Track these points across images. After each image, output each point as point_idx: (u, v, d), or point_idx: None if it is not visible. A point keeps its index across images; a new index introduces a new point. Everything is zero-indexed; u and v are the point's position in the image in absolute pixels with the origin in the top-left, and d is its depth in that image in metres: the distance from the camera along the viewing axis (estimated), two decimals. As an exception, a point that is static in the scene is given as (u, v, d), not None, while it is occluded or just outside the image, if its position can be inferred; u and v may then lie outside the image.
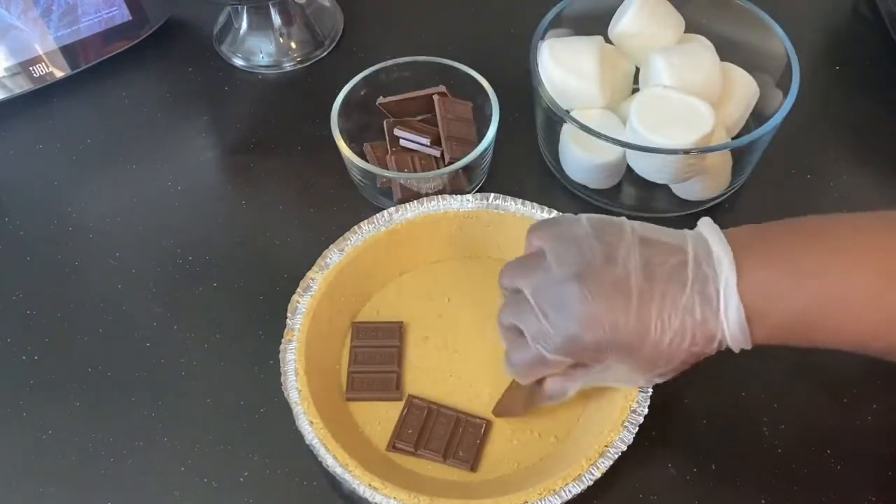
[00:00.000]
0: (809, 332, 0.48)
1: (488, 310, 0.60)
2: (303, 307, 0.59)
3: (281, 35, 0.79)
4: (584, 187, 0.69)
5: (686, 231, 0.50)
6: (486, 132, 0.66)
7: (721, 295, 0.47)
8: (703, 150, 0.61)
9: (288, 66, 0.79)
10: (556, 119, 0.65)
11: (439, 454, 0.56)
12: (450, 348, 0.61)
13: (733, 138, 0.67)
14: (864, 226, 0.49)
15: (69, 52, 0.76)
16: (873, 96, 0.75)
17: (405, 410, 0.58)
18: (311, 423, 0.54)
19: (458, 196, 0.64)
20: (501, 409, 0.58)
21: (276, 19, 0.78)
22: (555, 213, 0.62)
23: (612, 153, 0.65)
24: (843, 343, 0.49)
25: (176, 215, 0.70)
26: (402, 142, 0.68)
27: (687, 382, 0.59)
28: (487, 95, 0.68)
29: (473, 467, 0.56)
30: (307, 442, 0.54)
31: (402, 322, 0.62)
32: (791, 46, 0.65)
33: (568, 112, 0.65)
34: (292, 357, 0.57)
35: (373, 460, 0.55)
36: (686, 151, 0.60)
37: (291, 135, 0.74)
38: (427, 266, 0.65)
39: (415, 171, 0.67)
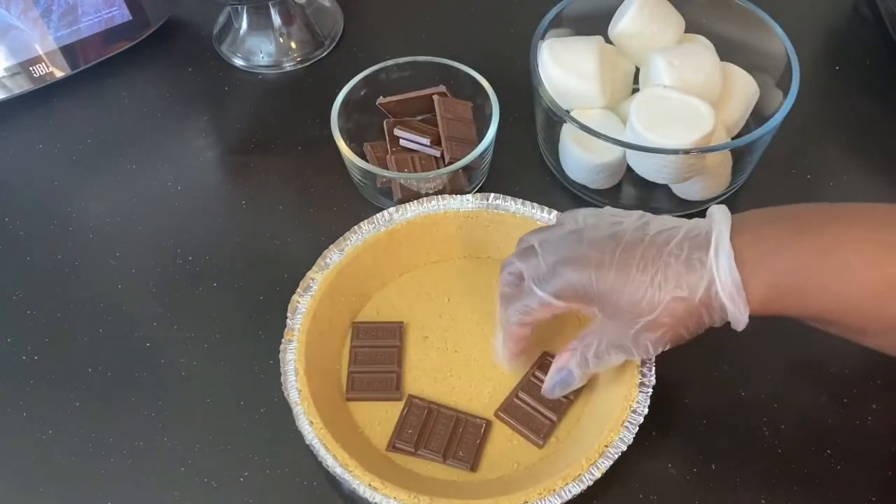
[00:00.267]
0: (808, 297, 0.48)
1: (488, 310, 0.60)
2: (303, 307, 0.59)
3: (281, 35, 0.79)
4: (584, 187, 0.69)
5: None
6: (486, 132, 0.66)
7: (712, 242, 0.48)
8: (703, 150, 0.61)
9: (288, 66, 0.79)
10: (556, 119, 0.65)
11: (439, 454, 0.56)
12: (450, 348, 0.61)
13: (733, 138, 0.67)
14: (866, 207, 0.49)
15: (69, 52, 0.76)
16: (873, 96, 0.75)
17: (405, 410, 0.58)
18: (311, 423, 0.54)
19: (458, 196, 0.64)
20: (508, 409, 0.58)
21: (276, 19, 0.78)
22: (555, 213, 0.62)
23: (612, 153, 0.65)
24: (841, 313, 0.48)
25: (176, 215, 0.70)
26: (402, 142, 0.68)
27: (687, 382, 0.59)
28: (487, 95, 0.68)
29: (473, 467, 0.56)
30: (307, 442, 0.54)
31: (402, 322, 0.62)
32: (791, 46, 0.65)
33: (568, 112, 0.65)
34: (292, 357, 0.57)
35: (373, 460, 0.55)
36: (686, 151, 0.60)
37: (291, 135, 0.74)
38: (427, 266, 0.65)
39: (415, 171, 0.67)
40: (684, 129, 0.61)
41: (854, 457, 0.57)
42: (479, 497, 0.52)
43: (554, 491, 0.52)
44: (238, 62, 0.79)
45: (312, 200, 0.70)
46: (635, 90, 0.70)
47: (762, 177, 0.69)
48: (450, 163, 0.66)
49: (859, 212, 0.49)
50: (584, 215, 0.54)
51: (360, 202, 0.69)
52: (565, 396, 0.57)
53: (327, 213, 0.69)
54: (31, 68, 0.75)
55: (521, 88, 0.70)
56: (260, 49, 0.79)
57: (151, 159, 0.73)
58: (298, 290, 0.60)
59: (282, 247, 0.68)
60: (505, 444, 0.57)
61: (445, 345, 0.61)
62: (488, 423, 0.58)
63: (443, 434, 0.57)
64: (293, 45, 0.79)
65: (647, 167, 0.64)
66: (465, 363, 0.60)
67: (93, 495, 0.57)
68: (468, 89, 0.70)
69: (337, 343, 0.61)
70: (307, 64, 0.79)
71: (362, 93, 0.69)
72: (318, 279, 0.60)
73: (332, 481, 0.56)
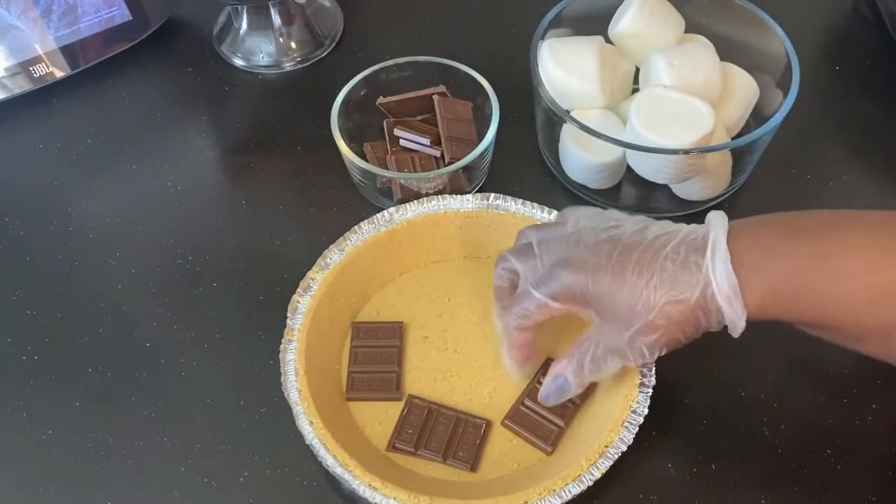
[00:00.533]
0: (805, 302, 0.47)
1: (488, 310, 0.60)
2: (303, 307, 0.59)
3: (281, 35, 0.79)
4: (584, 187, 0.69)
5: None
6: (486, 132, 0.66)
7: (709, 245, 0.48)
8: (703, 150, 0.61)
9: (288, 66, 0.79)
10: (556, 119, 0.65)
11: (439, 454, 0.56)
12: (450, 348, 0.61)
13: (733, 138, 0.67)
14: (866, 214, 0.49)
15: (69, 52, 0.76)
16: (873, 96, 0.75)
17: (405, 410, 0.58)
18: (311, 423, 0.54)
19: (458, 196, 0.64)
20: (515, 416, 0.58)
21: (276, 19, 0.78)
22: (555, 213, 0.62)
23: (612, 153, 0.65)
24: (839, 318, 0.48)
25: (176, 215, 0.70)
26: (402, 142, 0.68)
27: (687, 383, 0.59)
28: (487, 95, 0.68)
29: (473, 467, 0.56)
30: (307, 442, 0.54)
31: (402, 322, 0.62)
32: (791, 46, 0.65)
33: (568, 112, 0.65)
34: (292, 357, 0.57)
35: (373, 460, 0.55)
36: (686, 151, 0.60)
37: (291, 135, 0.74)
38: (427, 266, 0.65)
39: (415, 171, 0.67)
40: (684, 129, 0.61)
41: (854, 457, 0.57)
42: (479, 497, 0.52)
43: (554, 491, 0.52)
44: (238, 62, 0.79)
45: (312, 200, 0.70)
46: (635, 90, 0.70)
47: (762, 177, 0.69)
48: (450, 163, 0.66)
49: (859, 218, 0.49)
50: (583, 216, 0.54)
51: (360, 202, 0.69)
52: (571, 401, 0.57)
53: (327, 213, 0.69)
54: (31, 68, 0.75)
55: (521, 88, 0.70)
56: (260, 49, 0.79)
57: (151, 159, 0.73)
58: (298, 290, 0.60)
59: (282, 247, 0.68)
60: (505, 444, 0.57)
61: (445, 345, 0.61)
62: (488, 424, 0.58)
63: (443, 434, 0.57)
64: (293, 45, 0.79)
65: (647, 167, 0.64)
66: (465, 363, 0.60)
67: (93, 495, 0.57)
68: (468, 89, 0.70)
69: (337, 343, 0.61)
70: (307, 64, 0.79)
71: (362, 93, 0.69)
72: (318, 279, 0.60)
73: (332, 481, 0.56)
